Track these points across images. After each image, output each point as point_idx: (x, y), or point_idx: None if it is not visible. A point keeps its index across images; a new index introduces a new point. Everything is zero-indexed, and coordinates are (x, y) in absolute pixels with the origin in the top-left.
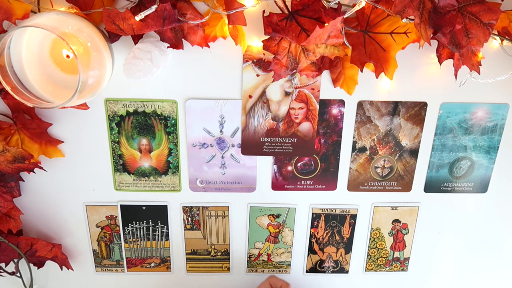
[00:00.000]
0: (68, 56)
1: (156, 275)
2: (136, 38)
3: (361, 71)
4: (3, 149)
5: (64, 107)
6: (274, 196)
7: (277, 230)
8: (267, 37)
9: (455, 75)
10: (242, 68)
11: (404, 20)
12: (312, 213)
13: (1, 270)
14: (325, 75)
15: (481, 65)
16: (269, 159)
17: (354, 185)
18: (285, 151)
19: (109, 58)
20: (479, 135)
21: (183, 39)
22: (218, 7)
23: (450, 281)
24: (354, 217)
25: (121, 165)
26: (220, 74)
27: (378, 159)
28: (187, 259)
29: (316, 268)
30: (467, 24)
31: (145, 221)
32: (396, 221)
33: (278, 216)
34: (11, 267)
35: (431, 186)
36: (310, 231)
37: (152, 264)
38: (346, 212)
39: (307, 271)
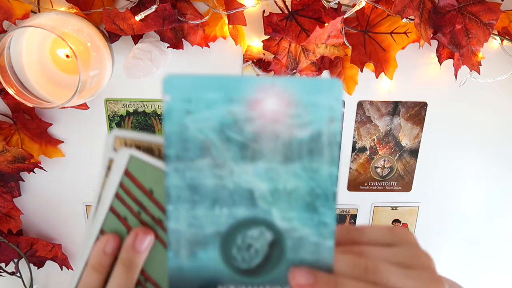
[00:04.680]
0: (68, 56)
1: None
2: (136, 38)
3: (361, 71)
4: (3, 149)
5: (64, 107)
6: None
7: None
8: (267, 37)
9: (455, 75)
10: (242, 68)
11: (404, 20)
12: None
13: (1, 270)
14: (325, 75)
15: (481, 65)
16: None
17: (354, 185)
18: None
19: (109, 58)
20: None
21: (183, 39)
22: (218, 7)
23: None
24: (354, 217)
25: None
26: (220, 74)
27: (378, 159)
28: None
29: None
30: (467, 24)
31: None
32: (396, 221)
33: None
34: (11, 267)
35: None
36: None
37: None
38: (346, 212)
39: None
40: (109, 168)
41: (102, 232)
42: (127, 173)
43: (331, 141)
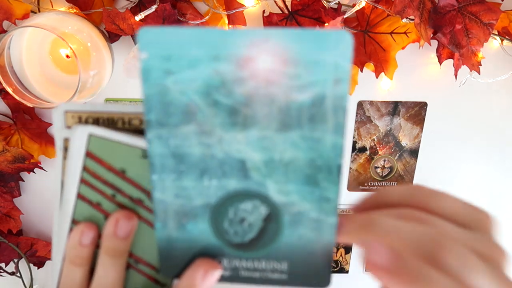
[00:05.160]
0: (68, 56)
1: None
2: (136, 38)
3: (361, 71)
4: (3, 149)
5: None
6: None
7: None
8: None
9: (455, 75)
10: None
11: (404, 20)
12: None
13: (1, 270)
14: None
15: (481, 65)
16: None
17: (354, 185)
18: None
19: (109, 58)
20: None
21: None
22: (218, 7)
23: None
24: None
25: None
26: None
27: (378, 159)
28: None
29: None
30: (467, 24)
31: None
32: None
33: None
34: (11, 267)
35: None
36: None
37: None
38: (346, 212)
39: None
40: (66, 149)
41: (74, 221)
42: (89, 155)
43: (336, 106)
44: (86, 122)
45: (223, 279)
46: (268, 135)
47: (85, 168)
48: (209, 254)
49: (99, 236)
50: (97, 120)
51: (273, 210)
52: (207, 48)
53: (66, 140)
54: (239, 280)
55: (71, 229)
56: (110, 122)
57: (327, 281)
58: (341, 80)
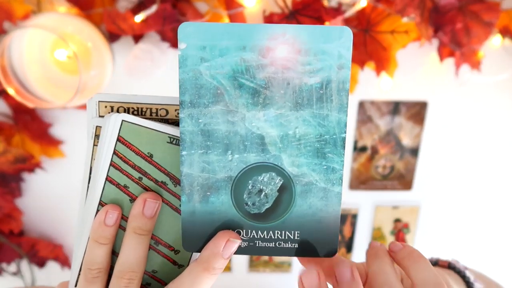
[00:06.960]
0: (68, 57)
1: None
2: (137, 38)
3: (361, 68)
4: (4, 150)
5: (65, 107)
6: None
7: None
8: None
9: (456, 73)
10: None
11: (405, 19)
12: None
13: (3, 271)
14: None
15: (481, 63)
16: None
17: (355, 185)
18: None
19: (110, 58)
20: None
21: None
22: (218, 7)
23: None
24: (355, 216)
25: None
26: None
27: (379, 158)
28: None
29: None
30: (467, 22)
31: None
32: (397, 220)
33: None
34: (13, 267)
35: None
36: None
37: None
38: (347, 211)
39: None
40: (97, 136)
41: (101, 203)
42: (120, 139)
43: (340, 88)
44: (118, 111)
45: (240, 251)
46: (283, 113)
47: (115, 152)
48: (229, 226)
49: (122, 217)
50: (128, 110)
51: (287, 181)
52: (235, 40)
53: (98, 128)
54: (255, 251)
55: (97, 211)
56: (139, 112)
57: (334, 250)
58: (344, 66)
